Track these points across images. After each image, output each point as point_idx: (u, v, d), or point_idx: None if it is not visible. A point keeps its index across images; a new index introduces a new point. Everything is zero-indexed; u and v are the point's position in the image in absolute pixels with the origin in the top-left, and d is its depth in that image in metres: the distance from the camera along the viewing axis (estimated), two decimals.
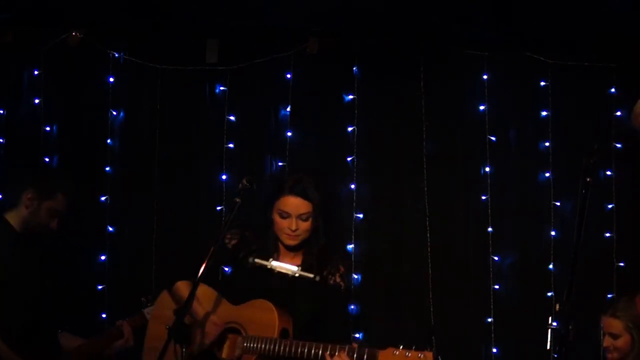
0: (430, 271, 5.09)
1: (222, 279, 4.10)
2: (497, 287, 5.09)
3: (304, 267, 3.58)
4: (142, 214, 5.16)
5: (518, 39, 5.15)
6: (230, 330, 3.53)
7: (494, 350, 5.03)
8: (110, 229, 5.15)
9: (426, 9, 4.79)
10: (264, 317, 3.44)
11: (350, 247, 5.10)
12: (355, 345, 3.32)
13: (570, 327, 2.74)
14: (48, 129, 5.19)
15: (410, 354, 3.14)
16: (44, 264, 4.10)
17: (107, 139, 5.20)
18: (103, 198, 5.14)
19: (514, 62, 5.21)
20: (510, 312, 5.07)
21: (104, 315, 5.06)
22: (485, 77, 5.20)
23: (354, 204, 5.12)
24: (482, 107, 5.20)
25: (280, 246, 3.62)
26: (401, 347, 3.16)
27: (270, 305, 3.46)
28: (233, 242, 3.66)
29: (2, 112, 5.19)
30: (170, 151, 5.22)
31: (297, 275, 3.54)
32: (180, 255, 5.09)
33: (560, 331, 2.80)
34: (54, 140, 5.20)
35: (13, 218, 3.97)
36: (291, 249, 3.62)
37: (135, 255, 5.17)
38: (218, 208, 5.15)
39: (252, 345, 3.42)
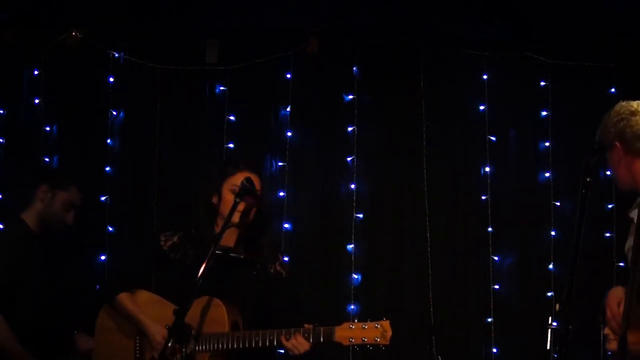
0: (430, 271, 5.09)
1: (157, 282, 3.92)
2: (497, 287, 5.09)
3: (237, 246, 3.63)
4: (142, 214, 5.16)
5: (518, 39, 5.15)
6: None
7: (494, 350, 5.03)
8: (110, 229, 5.15)
9: (426, 9, 4.79)
10: (212, 313, 3.44)
11: (350, 247, 5.10)
12: (309, 326, 3.38)
13: (570, 327, 2.73)
14: (48, 129, 5.18)
15: (366, 326, 3.28)
16: (57, 264, 4.11)
17: (107, 139, 5.20)
18: (103, 198, 5.14)
19: (514, 62, 5.20)
20: (510, 312, 5.07)
21: None
22: (485, 77, 5.19)
23: (354, 204, 5.12)
24: (482, 107, 5.20)
25: (217, 229, 3.57)
26: (356, 320, 3.31)
27: (218, 300, 3.46)
28: (169, 243, 3.67)
29: (2, 112, 5.19)
30: (170, 151, 5.23)
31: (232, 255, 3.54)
32: None
33: (560, 331, 2.79)
34: (54, 140, 5.19)
35: (29, 216, 4.00)
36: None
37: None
38: None
39: (203, 346, 3.43)
